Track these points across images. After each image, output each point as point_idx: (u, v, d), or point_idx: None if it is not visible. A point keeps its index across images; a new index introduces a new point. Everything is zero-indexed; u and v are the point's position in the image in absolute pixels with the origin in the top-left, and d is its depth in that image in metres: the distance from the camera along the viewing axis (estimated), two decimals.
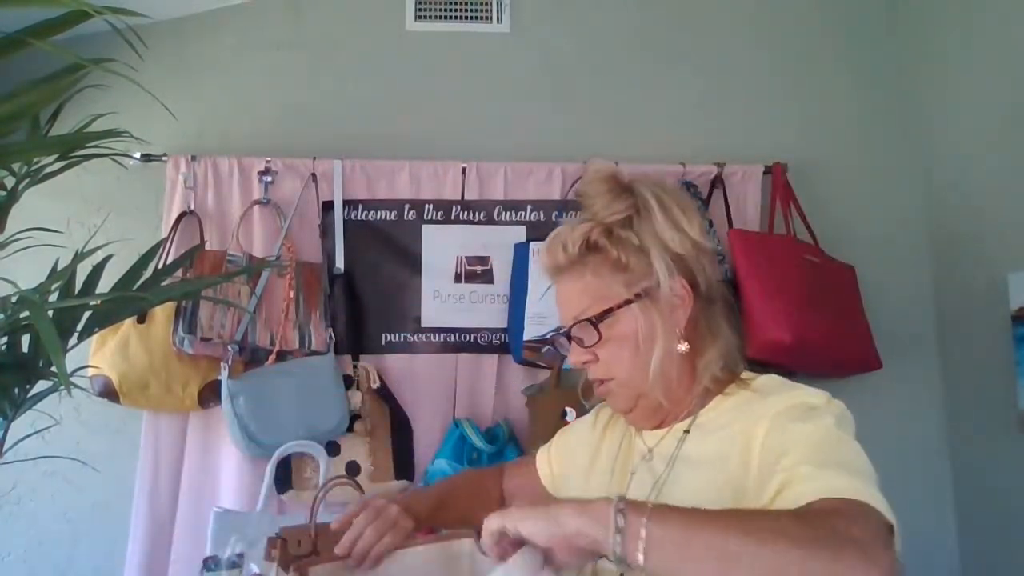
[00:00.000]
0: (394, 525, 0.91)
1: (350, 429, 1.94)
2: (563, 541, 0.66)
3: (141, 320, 1.87)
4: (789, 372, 1.68)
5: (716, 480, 0.83)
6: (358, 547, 0.88)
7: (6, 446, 1.23)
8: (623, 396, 0.92)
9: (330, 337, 1.99)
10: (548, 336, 1.02)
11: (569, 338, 0.93)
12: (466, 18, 2.24)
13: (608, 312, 0.89)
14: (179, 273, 1.74)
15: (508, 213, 2.13)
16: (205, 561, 1.81)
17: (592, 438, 1.09)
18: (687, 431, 0.90)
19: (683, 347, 0.90)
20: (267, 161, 2.06)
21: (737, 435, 0.83)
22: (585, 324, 0.90)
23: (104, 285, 1.34)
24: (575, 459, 1.08)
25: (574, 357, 0.91)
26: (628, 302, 0.89)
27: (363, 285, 2.08)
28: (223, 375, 1.85)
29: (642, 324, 0.89)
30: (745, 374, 0.93)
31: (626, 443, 1.01)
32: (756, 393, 0.88)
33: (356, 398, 1.97)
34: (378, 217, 2.11)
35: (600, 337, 0.90)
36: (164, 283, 1.45)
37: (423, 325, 2.08)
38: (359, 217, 2.10)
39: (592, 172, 0.94)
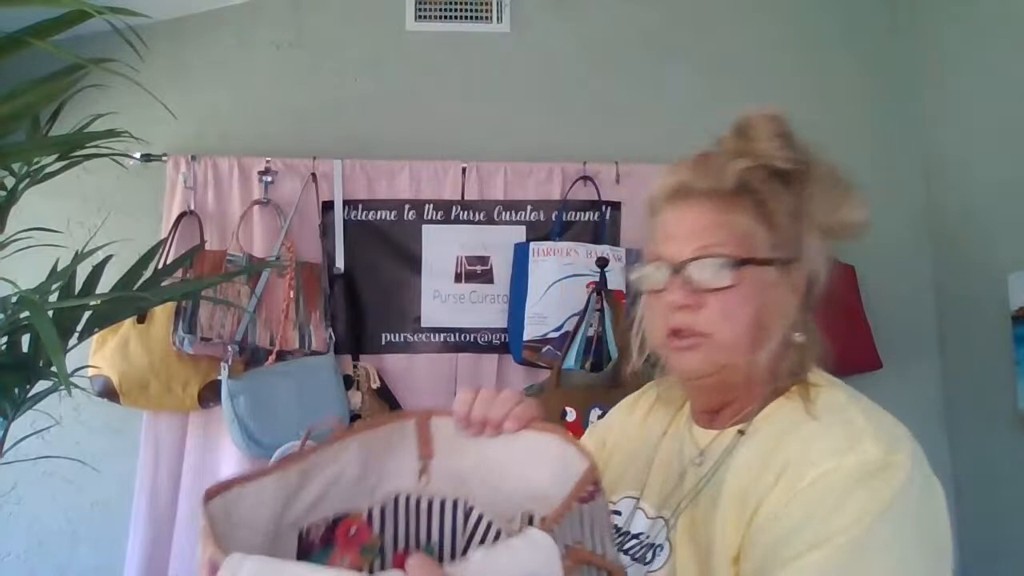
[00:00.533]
0: (522, 402, 0.74)
1: None
2: None
3: (141, 320, 1.87)
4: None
5: (742, 506, 0.72)
6: (490, 416, 0.72)
7: (6, 446, 1.23)
8: (709, 360, 0.78)
9: (330, 337, 1.99)
10: (636, 267, 0.84)
11: (678, 273, 0.78)
12: (466, 18, 2.24)
13: (749, 261, 0.76)
14: (179, 273, 1.74)
15: (508, 213, 2.13)
16: None
17: (630, 427, 0.97)
18: (742, 432, 0.79)
19: (800, 338, 0.78)
20: (267, 161, 2.06)
21: (774, 466, 0.72)
22: (718, 262, 0.76)
23: (104, 285, 1.34)
24: (615, 453, 0.96)
25: (677, 295, 0.77)
26: (768, 263, 0.77)
27: (363, 285, 2.08)
28: (223, 375, 1.85)
29: (774, 295, 0.76)
30: (813, 377, 0.80)
31: (673, 441, 0.89)
32: (807, 414, 0.75)
33: (356, 398, 1.97)
34: (378, 217, 2.11)
35: (730, 284, 0.76)
36: (164, 283, 1.45)
37: (423, 325, 2.08)
38: (359, 217, 2.10)
39: (759, 108, 0.81)
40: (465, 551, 0.71)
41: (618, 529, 0.84)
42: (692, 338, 0.78)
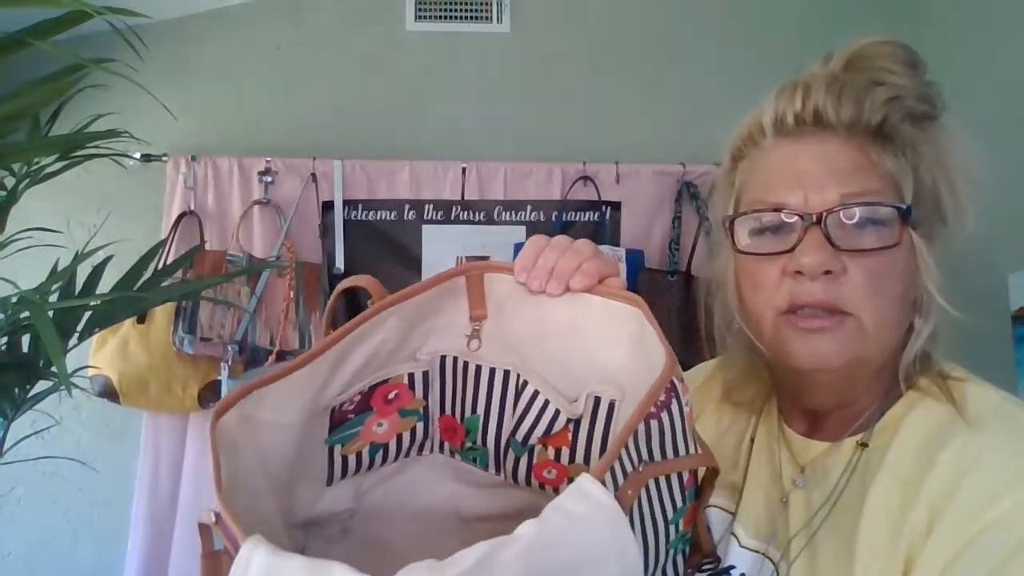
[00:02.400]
0: (594, 257, 0.57)
1: None
2: None
3: (141, 320, 1.87)
4: None
5: (890, 553, 0.55)
6: (558, 267, 0.57)
7: (6, 446, 1.23)
8: (849, 348, 0.59)
9: None
10: (742, 219, 0.63)
11: (816, 226, 0.58)
12: (466, 18, 2.24)
13: (909, 214, 0.58)
14: (179, 273, 1.74)
15: (508, 213, 2.13)
16: None
17: (709, 409, 0.77)
18: (864, 444, 0.60)
19: (936, 319, 0.62)
20: (267, 161, 2.06)
21: (925, 502, 0.54)
22: (882, 212, 0.58)
23: (104, 285, 1.34)
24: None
25: (817, 256, 0.57)
26: (919, 224, 0.59)
27: None
28: (223, 375, 1.85)
29: (924, 264, 0.60)
30: (949, 368, 0.63)
31: (764, 450, 0.70)
32: (958, 419, 0.57)
33: None
34: (378, 217, 2.11)
35: (898, 242, 0.58)
36: (164, 283, 1.45)
37: None
38: (359, 217, 2.10)
39: (879, 37, 0.63)
40: (516, 429, 0.62)
41: (709, 558, 0.65)
42: (830, 317, 0.58)
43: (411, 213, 2.12)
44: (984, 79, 1.98)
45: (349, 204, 2.09)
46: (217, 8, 2.21)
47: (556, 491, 0.62)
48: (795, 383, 0.66)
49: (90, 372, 1.85)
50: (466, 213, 2.12)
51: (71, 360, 1.19)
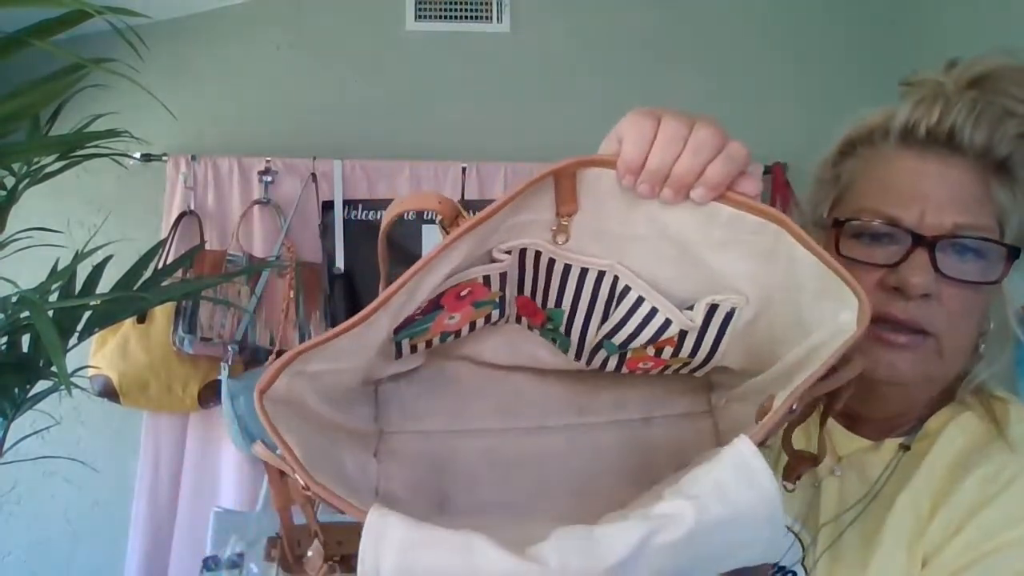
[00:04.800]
0: (725, 151, 0.48)
1: None
2: None
3: (141, 320, 1.87)
4: None
5: (908, 558, 0.57)
6: (679, 168, 0.47)
7: (6, 446, 1.23)
8: (924, 368, 0.60)
9: None
10: (854, 220, 0.61)
11: (926, 248, 0.57)
12: (466, 18, 2.24)
13: (1016, 253, 0.58)
14: (179, 273, 1.74)
15: None
16: (205, 561, 1.81)
17: None
18: (906, 447, 0.62)
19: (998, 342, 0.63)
20: (267, 161, 2.06)
21: (948, 516, 0.56)
22: (993, 250, 0.58)
23: (104, 285, 1.34)
24: None
25: (923, 278, 0.57)
26: (1015, 258, 0.59)
27: (363, 285, 2.08)
28: (223, 375, 1.85)
29: (1010, 298, 0.61)
30: (993, 388, 0.64)
31: (802, 433, 0.70)
32: (1000, 439, 0.59)
33: None
34: (378, 217, 2.11)
35: (998, 278, 0.58)
36: (164, 283, 1.45)
37: None
38: (359, 217, 2.10)
39: (1008, 60, 0.59)
40: (613, 334, 0.57)
41: None
42: (914, 335, 0.58)
43: (411, 213, 2.11)
44: None
45: (349, 204, 2.09)
46: (217, 8, 2.21)
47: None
48: (859, 388, 0.62)
49: (90, 372, 1.85)
50: (466, 213, 2.12)
51: (71, 360, 1.19)
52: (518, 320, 0.61)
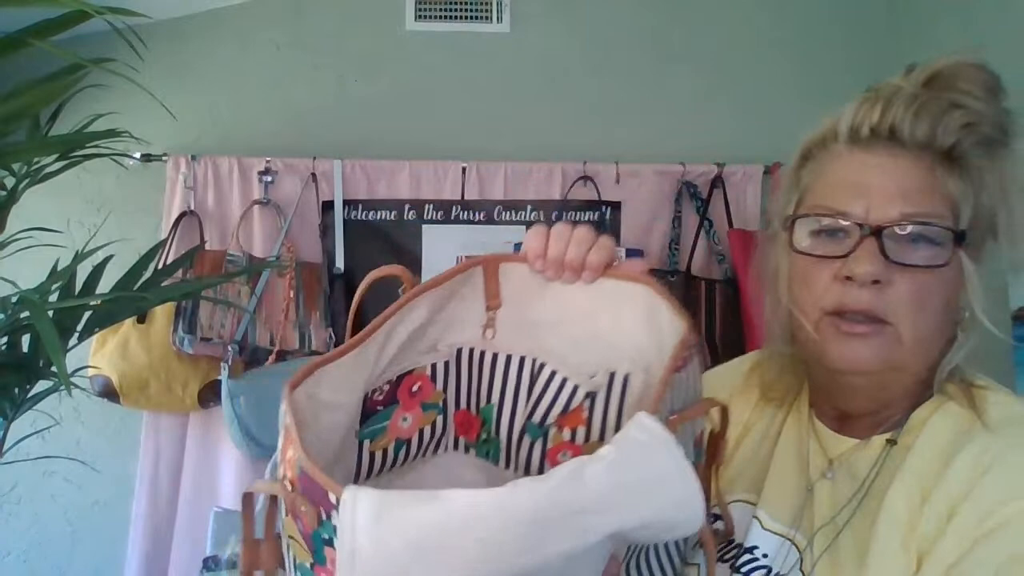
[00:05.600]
0: (598, 243, 0.61)
1: None
2: None
3: (141, 320, 1.87)
4: None
5: (903, 549, 0.58)
6: (568, 257, 0.61)
7: (6, 446, 1.23)
8: (884, 355, 0.62)
9: (330, 337, 1.99)
10: (803, 220, 0.66)
11: (874, 238, 0.61)
12: (466, 18, 2.24)
13: (964, 238, 0.61)
14: (179, 273, 1.74)
15: (508, 213, 2.13)
16: (205, 561, 1.82)
17: (746, 409, 0.78)
18: (892, 442, 0.64)
19: (976, 332, 0.65)
20: (267, 161, 2.06)
21: (939, 502, 0.58)
22: (938, 234, 0.60)
23: (104, 285, 1.34)
24: (739, 445, 0.77)
25: (869, 266, 0.60)
26: (973, 245, 0.62)
27: None
28: (223, 375, 1.85)
29: (970, 284, 0.62)
30: (974, 377, 0.66)
31: (792, 442, 0.72)
32: (978, 422, 0.61)
33: None
34: (378, 217, 2.11)
35: (947, 263, 0.60)
36: (164, 283, 1.45)
37: None
38: (359, 217, 2.10)
39: (963, 58, 0.64)
40: (532, 412, 0.67)
41: (730, 542, 0.69)
42: (871, 324, 0.61)
43: (411, 213, 2.12)
44: None
45: (349, 204, 2.09)
46: (217, 8, 2.21)
47: None
48: (831, 383, 0.69)
49: (90, 372, 1.85)
50: (466, 213, 2.12)
51: (71, 360, 1.19)
52: (456, 444, 0.71)
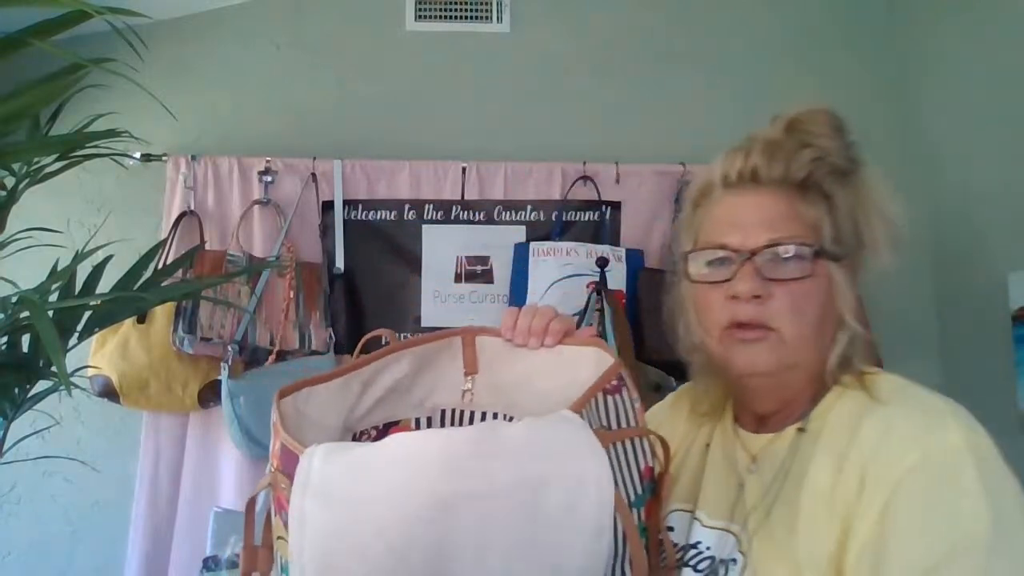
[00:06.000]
0: (557, 317, 0.77)
1: None
2: None
3: (141, 320, 1.87)
4: None
5: (828, 514, 0.68)
6: (533, 326, 0.75)
7: (6, 446, 1.23)
8: (775, 356, 0.74)
9: (330, 337, 1.99)
10: (692, 256, 0.80)
11: (749, 262, 0.75)
12: (466, 18, 2.24)
13: (822, 253, 0.74)
14: (179, 273, 1.74)
15: (508, 213, 2.13)
16: (205, 561, 1.82)
17: (676, 434, 0.89)
18: (802, 430, 0.75)
19: (859, 332, 0.76)
20: (267, 161, 2.06)
21: (847, 470, 0.68)
22: (796, 251, 0.73)
23: (104, 285, 1.34)
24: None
25: (748, 285, 0.73)
26: (836, 257, 0.75)
27: (363, 285, 2.08)
28: (223, 375, 1.85)
29: (840, 289, 0.75)
30: (866, 367, 0.77)
31: (720, 450, 0.84)
32: (872, 400, 0.72)
33: None
34: (378, 217, 2.11)
35: (806, 275, 0.73)
36: (164, 283, 1.45)
37: (423, 325, 2.08)
38: (359, 217, 2.10)
39: (814, 106, 0.79)
40: None
41: (676, 545, 0.79)
42: (759, 331, 0.74)
43: (411, 213, 2.12)
44: (984, 79, 1.98)
45: (349, 204, 2.09)
46: (217, 8, 2.21)
47: None
48: (742, 390, 0.82)
49: (90, 372, 1.85)
50: (466, 213, 2.12)
51: (71, 360, 1.19)
52: None
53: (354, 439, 0.74)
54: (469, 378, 0.78)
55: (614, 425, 0.65)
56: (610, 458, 0.59)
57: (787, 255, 0.74)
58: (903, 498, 0.64)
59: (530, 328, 0.75)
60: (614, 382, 0.67)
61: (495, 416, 0.77)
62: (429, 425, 0.78)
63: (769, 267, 0.74)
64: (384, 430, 0.75)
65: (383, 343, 0.75)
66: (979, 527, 0.60)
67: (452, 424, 0.79)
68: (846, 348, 0.75)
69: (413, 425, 0.77)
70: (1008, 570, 0.60)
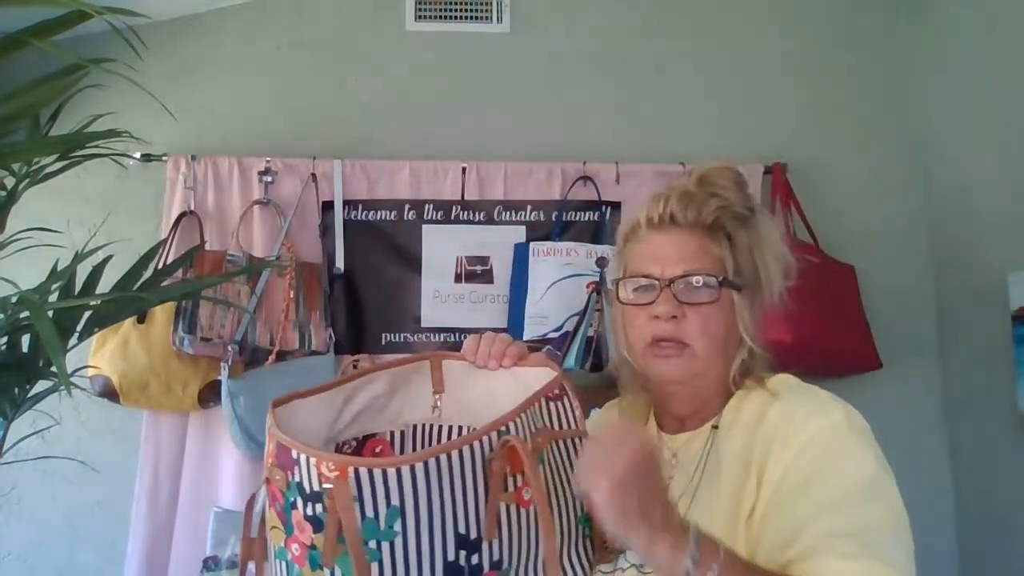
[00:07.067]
0: (513, 343, 0.90)
1: None
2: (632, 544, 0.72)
3: (141, 320, 1.87)
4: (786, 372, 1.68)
5: (735, 490, 0.84)
6: (492, 351, 0.89)
7: (6, 446, 1.23)
8: (688, 367, 0.91)
9: (330, 337, 1.99)
10: (624, 283, 0.97)
11: (667, 288, 0.92)
12: (466, 18, 2.24)
13: (726, 282, 0.91)
14: (179, 273, 1.74)
15: (508, 213, 2.13)
16: (205, 561, 1.82)
17: None
18: (716, 426, 0.92)
19: (758, 349, 0.93)
20: (267, 161, 2.06)
21: (757, 444, 0.85)
22: (705, 280, 0.91)
23: (104, 285, 1.34)
24: None
25: (666, 307, 0.90)
26: (737, 286, 0.92)
27: (363, 285, 2.08)
28: (223, 375, 1.85)
29: (742, 313, 0.92)
30: (765, 374, 0.94)
31: None
32: (772, 395, 0.89)
33: None
34: (378, 217, 2.11)
35: (712, 300, 0.90)
36: (164, 283, 1.45)
37: (423, 325, 2.08)
38: (359, 217, 2.10)
39: (720, 164, 0.97)
40: None
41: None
42: (675, 346, 0.90)
43: (411, 213, 2.12)
44: (984, 79, 1.98)
45: (349, 204, 2.09)
46: (217, 8, 2.21)
47: None
48: (662, 395, 0.98)
49: (90, 372, 1.85)
50: (466, 213, 2.12)
51: (71, 360, 1.19)
52: None
53: (337, 449, 0.83)
54: (437, 396, 0.90)
55: (557, 426, 0.79)
56: (553, 453, 0.76)
57: (698, 284, 0.90)
58: (805, 459, 0.80)
59: (490, 352, 0.88)
60: (556, 391, 0.80)
61: (460, 430, 0.89)
62: (403, 438, 0.89)
63: (684, 293, 0.90)
64: (363, 441, 0.86)
65: (354, 367, 0.84)
66: (862, 476, 0.79)
67: (424, 437, 0.90)
68: (746, 360, 0.92)
69: (388, 437, 0.88)
70: (881, 505, 0.78)
